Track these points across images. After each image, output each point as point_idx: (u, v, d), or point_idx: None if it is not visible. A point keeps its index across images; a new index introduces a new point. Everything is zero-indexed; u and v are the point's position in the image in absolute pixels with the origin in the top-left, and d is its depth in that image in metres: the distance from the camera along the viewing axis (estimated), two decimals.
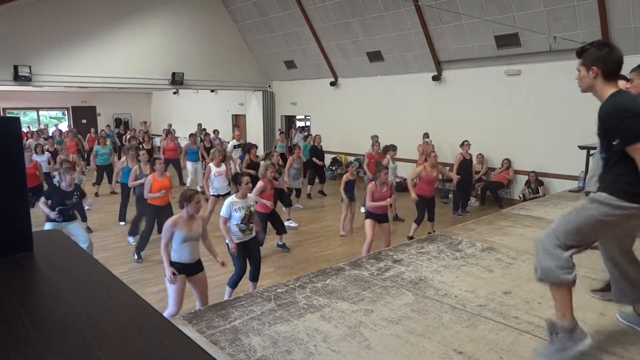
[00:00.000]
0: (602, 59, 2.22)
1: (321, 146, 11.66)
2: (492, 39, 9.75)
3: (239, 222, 4.94)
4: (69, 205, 5.95)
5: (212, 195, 7.92)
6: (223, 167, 8.12)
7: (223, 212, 4.98)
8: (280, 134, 14.72)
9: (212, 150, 8.76)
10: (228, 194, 8.02)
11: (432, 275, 3.53)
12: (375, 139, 10.42)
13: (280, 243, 7.08)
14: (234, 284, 5.00)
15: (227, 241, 5.00)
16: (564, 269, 2.17)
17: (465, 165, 9.54)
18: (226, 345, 2.49)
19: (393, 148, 9.15)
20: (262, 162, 7.63)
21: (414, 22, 10.65)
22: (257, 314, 2.86)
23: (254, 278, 5.16)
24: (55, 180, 6.86)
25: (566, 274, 2.17)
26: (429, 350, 2.47)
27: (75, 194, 6.07)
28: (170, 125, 16.74)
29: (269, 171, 6.50)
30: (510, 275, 3.54)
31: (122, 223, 8.39)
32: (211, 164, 8.07)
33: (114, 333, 0.88)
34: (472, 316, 2.85)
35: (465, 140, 9.68)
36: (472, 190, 10.26)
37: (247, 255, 5.06)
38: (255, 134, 16.34)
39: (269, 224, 6.73)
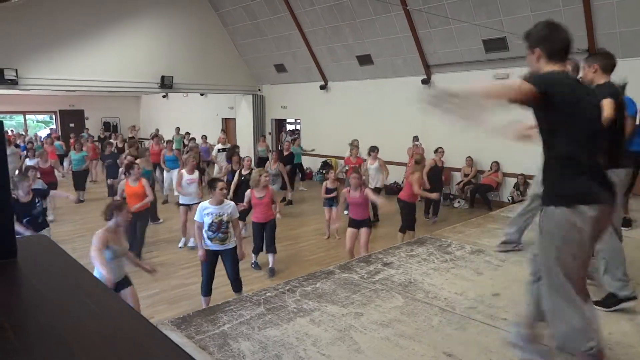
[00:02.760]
0: (544, 39, 2.06)
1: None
2: (480, 43, 9.84)
3: (207, 229, 4.77)
4: (35, 215, 5.44)
5: (182, 204, 7.43)
6: (196, 174, 7.56)
7: (196, 216, 4.87)
8: (261, 136, 14.53)
9: (184, 156, 8.23)
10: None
11: (422, 278, 3.54)
12: (354, 143, 10.04)
13: (270, 267, 6.30)
14: (203, 291, 4.91)
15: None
16: None
17: (435, 171, 9.31)
18: (215, 350, 2.47)
19: (373, 149, 8.91)
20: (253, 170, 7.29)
21: (404, 26, 10.71)
22: (247, 319, 2.84)
23: (236, 289, 4.98)
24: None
25: None
26: (418, 353, 2.47)
27: (36, 201, 5.47)
28: (157, 130, 16.62)
29: (262, 176, 6.12)
30: (499, 278, 3.56)
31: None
32: (183, 171, 7.53)
33: (98, 340, 0.86)
34: (462, 318, 2.86)
35: (440, 147, 9.65)
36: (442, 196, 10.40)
37: (222, 265, 4.92)
38: (245, 137, 16.30)
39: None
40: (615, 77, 3.22)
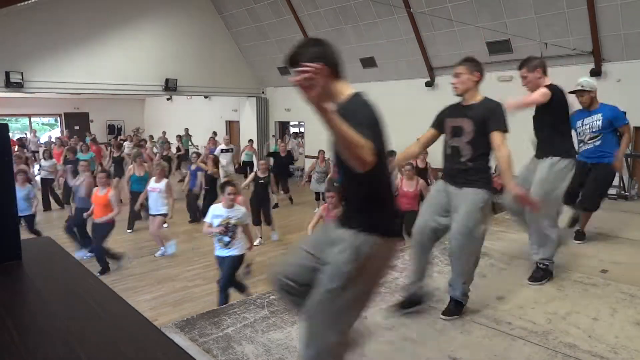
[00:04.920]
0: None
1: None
2: (484, 45, 9.83)
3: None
4: None
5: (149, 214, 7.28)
6: (162, 183, 7.07)
7: (207, 217, 4.83)
8: (249, 141, 14.00)
9: (154, 164, 8.63)
10: (164, 215, 7.19)
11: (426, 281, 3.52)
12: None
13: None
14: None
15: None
16: None
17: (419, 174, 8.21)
18: (219, 353, 2.47)
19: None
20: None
21: (407, 29, 10.72)
22: (250, 322, 2.84)
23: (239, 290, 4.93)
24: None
25: None
26: (423, 356, 2.46)
27: None
28: (164, 132, 16.72)
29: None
30: (504, 281, 3.54)
31: (129, 231, 8.45)
32: (153, 178, 7.29)
33: (102, 342, 0.86)
34: (466, 322, 2.84)
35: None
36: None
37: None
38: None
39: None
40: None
